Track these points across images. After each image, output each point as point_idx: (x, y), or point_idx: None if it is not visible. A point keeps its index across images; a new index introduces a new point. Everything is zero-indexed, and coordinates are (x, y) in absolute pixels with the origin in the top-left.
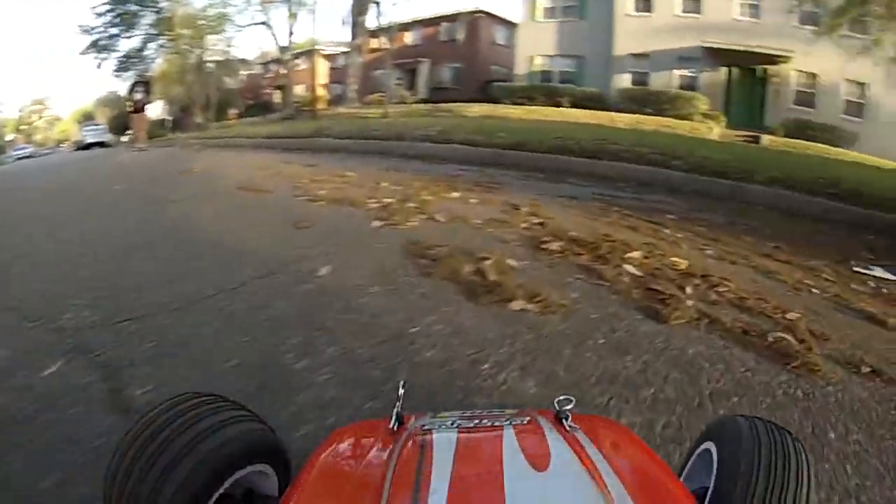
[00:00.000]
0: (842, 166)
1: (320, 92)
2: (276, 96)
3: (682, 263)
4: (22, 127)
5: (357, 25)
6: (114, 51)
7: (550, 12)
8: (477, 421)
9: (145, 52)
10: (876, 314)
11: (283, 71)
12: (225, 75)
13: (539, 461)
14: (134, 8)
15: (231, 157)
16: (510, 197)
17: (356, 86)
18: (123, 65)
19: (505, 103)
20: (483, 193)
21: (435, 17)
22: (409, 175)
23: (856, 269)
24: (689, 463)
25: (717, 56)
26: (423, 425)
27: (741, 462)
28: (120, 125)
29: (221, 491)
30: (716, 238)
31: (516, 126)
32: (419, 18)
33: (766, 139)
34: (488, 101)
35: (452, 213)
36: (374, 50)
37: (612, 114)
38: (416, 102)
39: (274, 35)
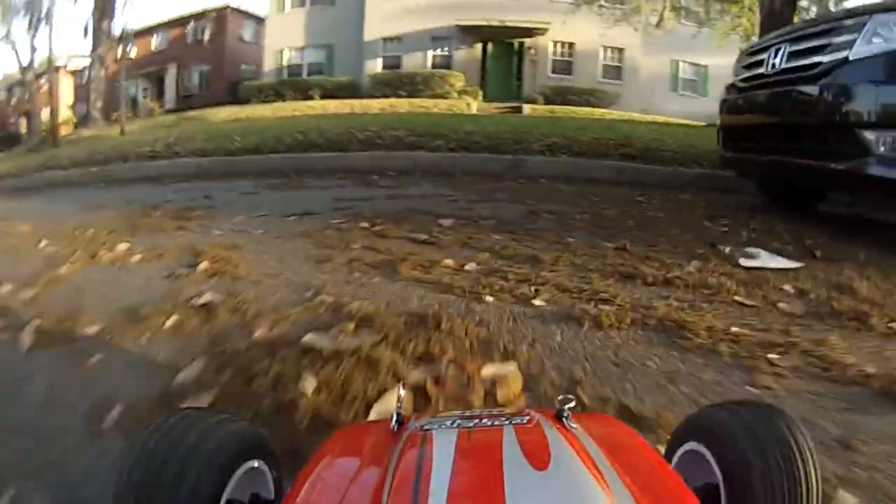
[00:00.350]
0: (617, 125)
1: (65, 114)
2: (24, 124)
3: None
4: None
5: (99, 33)
6: None
7: (300, 1)
8: (477, 420)
9: None
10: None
11: (29, 94)
12: None
13: (539, 460)
14: None
15: None
16: (204, 235)
17: (100, 102)
18: None
19: (254, 103)
20: (174, 233)
21: (182, 17)
22: (109, 212)
23: (742, 262)
24: (672, 464)
25: (472, 33)
26: (424, 425)
27: (748, 462)
28: None
29: (228, 494)
30: (520, 244)
31: (257, 126)
32: (166, 20)
33: (527, 108)
34: (238, 103)
35: (71, 300)
36: (120, 59)
37: (366, 101)
38: (166, 113)
39: (16, 52)
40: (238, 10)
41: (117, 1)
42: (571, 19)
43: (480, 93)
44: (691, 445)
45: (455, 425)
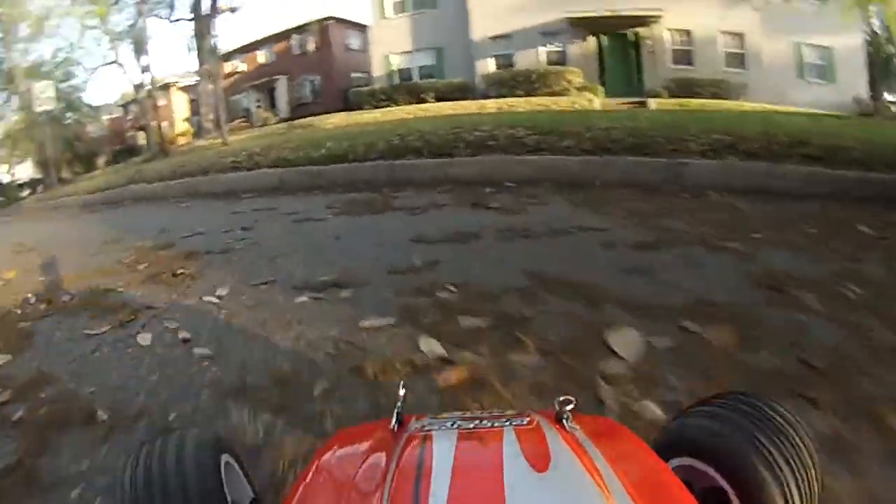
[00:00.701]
0: (770, 117)
1: (183, 126)
2: (141, 137)
3: None
4: None
5: (202, 51)
6: None
7: (400, 7)
8: (477, 422)
9: None
10: None
11: (143, 110)
12: (83, 123)
13: (539, 462)
14: None
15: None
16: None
17: (211, 115)
18: None
19: (366, 108)
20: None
21: (285, 31)
22: (147, 243)
23: None
24: None
25: (583, 25)
26: (424, 426)
27: (753, 465)
28: None
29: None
30: None
31: (356, 131)
32: (269, 35)
33: (652, 103)
34: (349, 109)
35: None
36: (230, 74)
37: (480, 102)
38: (279, 122)
39: (127, 73)
40: (340, 20)
41: (214, 21)
42: (685, 4)
43: (601, 88)
44: (682, 461)
45: (455, 426)
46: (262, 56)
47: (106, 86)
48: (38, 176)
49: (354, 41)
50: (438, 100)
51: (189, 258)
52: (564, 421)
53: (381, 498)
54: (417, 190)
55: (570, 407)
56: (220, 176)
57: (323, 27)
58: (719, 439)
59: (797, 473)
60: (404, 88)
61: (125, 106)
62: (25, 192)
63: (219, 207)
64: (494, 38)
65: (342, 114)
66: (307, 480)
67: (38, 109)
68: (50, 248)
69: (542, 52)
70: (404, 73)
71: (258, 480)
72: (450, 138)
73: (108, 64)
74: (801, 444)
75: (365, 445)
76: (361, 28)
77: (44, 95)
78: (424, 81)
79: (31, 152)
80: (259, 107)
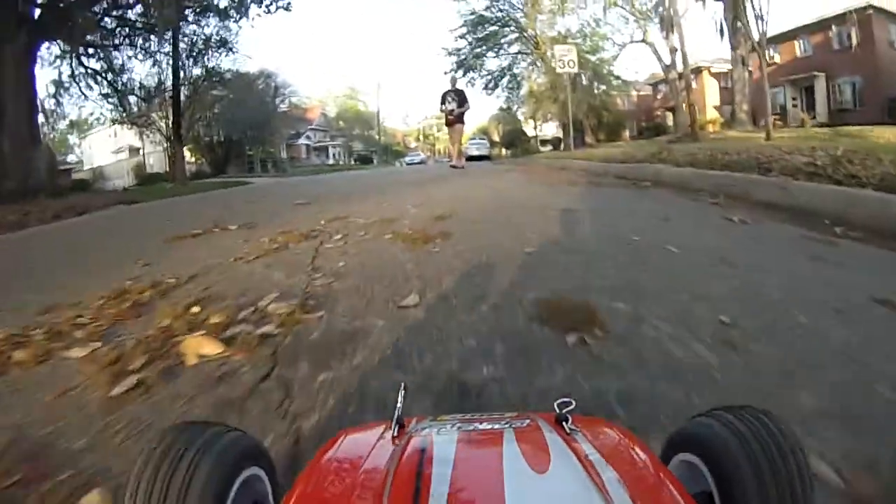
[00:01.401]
0: None
1: (712, 114)
2: (669, 118)
3: None
4: (425, 136)
5: (736, 33)
6: (481, 70)
7: None
8: (477, 424)
9: (515, 70)
10: None
11: (673, 90)
12: (611, 94)
13: (539, 464)
14: (494, 29)
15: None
16: None
17: (746, 105)
18: (492, 83)
19: None
20: None
21: (823, 20)
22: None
23: None
24: None
25: None
26: (424, 428)
27: (740, 469)
28: (510, 140)
29: (233, 497)
30: None
31: None
32: (806, 24)
33: None
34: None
35: None
36: (761, 64)
37: None
38: (818, 126)
39: (656, 53)
40: (883, 11)
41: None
42: None
43: None
44: (684, 456)
45: (455, 428)
46: (798, 47)
47: (637, 63)
48: (560, 135)
49: None
50: None
51: None
52: (564, 423)
53: (381, 499)
54: None
55: (569, 408)
56: (790, 182)
57: (862, 17)
58: (716, 438)
59: (780, 482)
60: None
61: (655, 85)
62: (547, 148)
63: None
64: None
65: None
66: (307, 481)
67: (560, 71)
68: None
69: None
70: None
71: None
72: None
73: (636, 42)
74: (793, 461)
75: (365, 447)
76: None
77: (566, 58)
78: None
79: (556, 113)
80: (795, 105)
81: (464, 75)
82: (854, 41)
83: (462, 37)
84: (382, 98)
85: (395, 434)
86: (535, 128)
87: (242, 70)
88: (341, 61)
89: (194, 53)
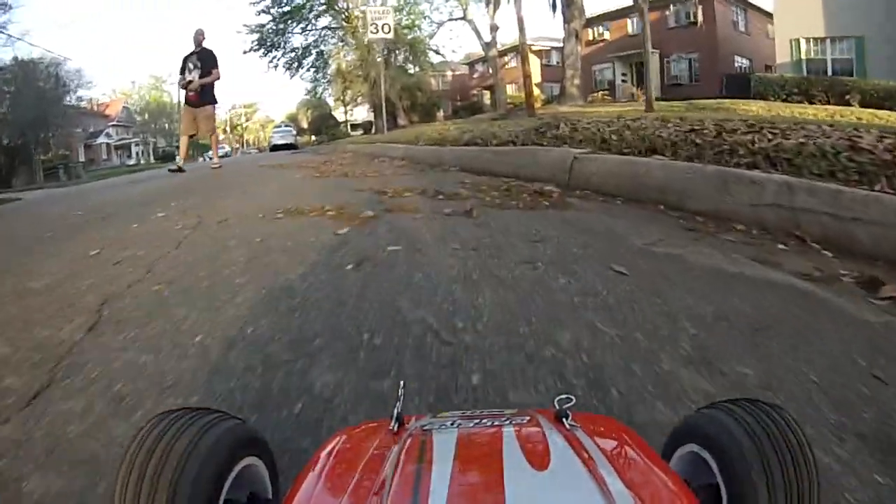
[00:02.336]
0: None
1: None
2: (486, 97)
3: None
4: (234, 127)
5: (570, 6)
6: (283, 49)
7: None
8: (477, 421)
9: (322, 48)
10: None
11: (490, 71)
12: (425, 73)
13: (539, 461)
14: (300, 1)
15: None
16: None
17: (577, 79)
18: (295, 62)
19: (771, 99)
20: None
21: (661, 0)
22: None
23: None
24: (671, 465)
25: None
26: (424, 426)
27: (749, 466)
28: (318, 127)
29: (227, 489)
30: None
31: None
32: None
33: None
34: (733, 97)
35: None
36: (591, 42)
37: None
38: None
39: (476, 31)
40: None
41: None
42: None
43: None
44: (689, 448)
45: (455, 426)
46: (630, 25)
47: (453, 41)
48: (371, 119)
49: (740, 21)
50: (862, 105)
51: None
52: (564, 419)
53: (380, 498)
54: None
55: (570, 405)
56: None
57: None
58: (722, 429)
59: (787, 476)
60: (820, 84)
61: (471, 64)
62: (358, 132)
63: None
64: None
65: (758, 102)
66: (307, 480)
67: (373, 38)
68: None
69: None
70: (814, 65)
71: None
72: None
73: (455, 19)
74: (800, 451)
75: (364, 445)
76: (748, 6)
77: (380, 22)
78: (847, 79)
79: (367, 95)
80: (625, 81)
81: (266, 55)
82: (699, 19)
83: (265, 10)
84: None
85: (395, 432)
86: (346, 112)
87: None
88: (145, 47)
89: None
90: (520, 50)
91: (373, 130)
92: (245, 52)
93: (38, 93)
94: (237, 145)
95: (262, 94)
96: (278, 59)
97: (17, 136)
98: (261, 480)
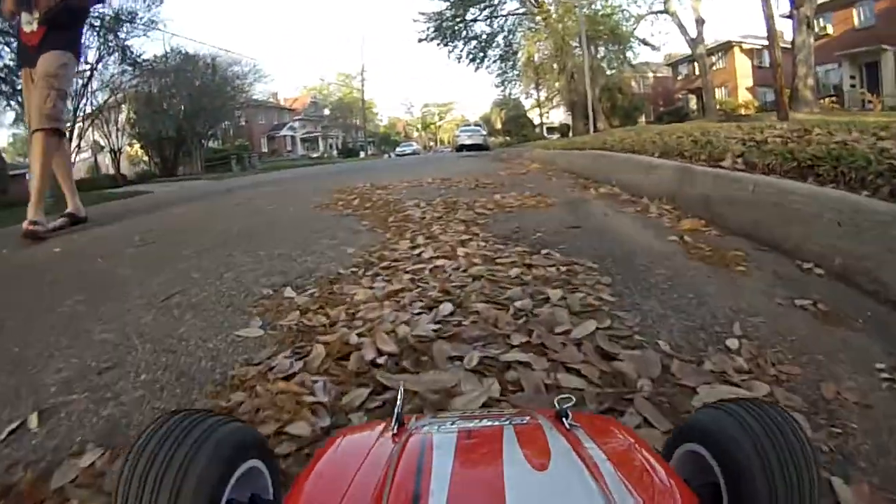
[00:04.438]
0: None
1: (744, 97)
2: (692, 102)
3: None
4: (426, 126)
5: None
6: (465, 38)
7: None
8: (477, 421)
9: (510, 36)
10: None
11: (696, 72)
12: (623, 74)
13: (539, 461)
14: None
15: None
16: None
17: (811, 79)
18: (479, 52)
19: None
20: None
21: None
22: None
23: None
24: (671, 464)
25: None
26: (423, 426)
27: (751, 465)
28: (511, 129)
29: (228, 494)
30: None
31: None
32: None
33: None
34: None
35: None
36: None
37: None
38: (890, 109)
39: (681, 25)
40: None
41: None
42: None
43: None
44: (689, 447)
45: (455, 426)
46: (857, 16)
47: (654, 37)
48: (569, 122)
49: None
50: None
51: None
52: (564, 420)
53: (380, 499)
54: None
55: (570, 405)
56: None
57: None
58: (723, 429)
59: (788, 474)
60: None
61: (674, 65)
62: (554, 136)
63: None
64: None
65: None
66: (307, 481)
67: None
68: None
69: None
70: None
71: None
72: None
73: (656, 12)
74: (801, 451)
75: (365, 446)
76: None
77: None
78: None
79: (563, 91)
80: (853, 86)
81: (445, 45)
82: None
83: None
84: (379, 84)
85: (395, 432)
86: (541, 115)
87: (186, 54)
88: (331, 45)
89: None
90: (767, 31)
91: (570, 134)
92: (420, 42)
93: (202, 86)
94: (431, 143)
95: (458, 95)
96: (460, 50)
97: (181, 127)
98: (263, 482)
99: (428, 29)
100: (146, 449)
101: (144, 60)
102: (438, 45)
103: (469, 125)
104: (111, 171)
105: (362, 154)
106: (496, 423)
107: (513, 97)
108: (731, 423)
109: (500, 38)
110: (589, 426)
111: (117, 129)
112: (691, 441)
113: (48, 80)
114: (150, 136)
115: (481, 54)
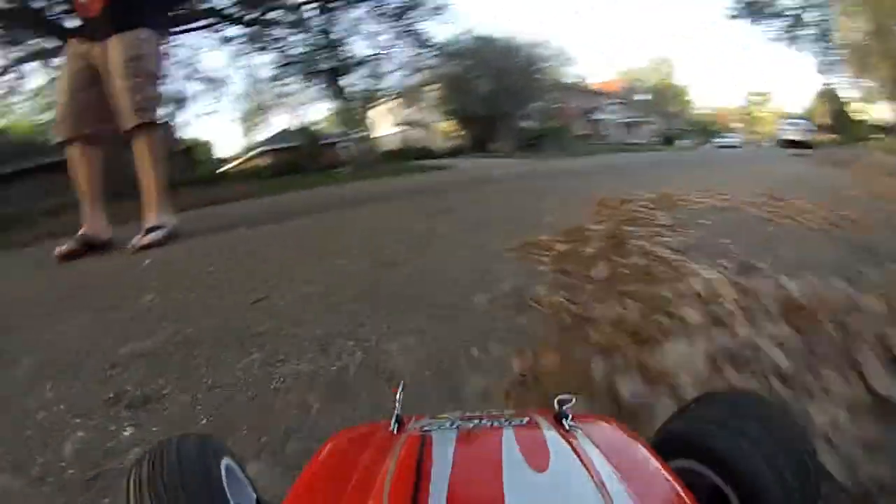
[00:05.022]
0: None
1: None
2: None
3: None
4: (746, 117)
5: None
6: (774, 15)
7: None
8: (476, 422)
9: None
10: None
11: None
12: None
13: (538, 461)
14: None
15: None
16: None
17: None
18: (791, 31)
19: None
20: None
21: None
22: None
23: None
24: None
25: None
26: (423, 427)
27: (766, 484)
28: (838, 125)
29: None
30: None
31: None
32: None
33: None
34: None
35: None
36: None
37: None
38: None
39: None
40: None
41: None
42: None
43: None
44: (683, 463)
45: (454, 426)
46: None
47: None
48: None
49: None
50: None
51: None
52: (564, 420)
53: (380, 499)
54: None
55: (569, 406)
56: None
57: None
58: (719, 442)
59: (799, 473)
60: None
61: None
62: (882, 136)
63: None
64: None
65: None
66: (305, 482)
67: None
68: None
69: None
70: None
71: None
72: None
73: None
74: (802, 443)
75: (364, 446)
76: None
77: None
78: None
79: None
80: None
81: (756, 21)
82: None
83: None
84: (699, 70)
85: (394, 433)
86: (864, 110)
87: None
88: (639, 28)
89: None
90: None
91: None
92: (731, 18)
93: (504, 68)
94: (733, 135)
95: (774, 85)
96: (772, 28)
97: (488, 106)
98: (242, 487)
99: (738, 5)
100: (148, 456)
101: (435, 43)
102: (750, 24)
103: (791, 120)
104: (424, 144)
105: (676, 143)
106: (495, 423)
107: (835, 88)
108: (736, 442)
109: (805, 15)
110: (588, 426)
111: (427, 107)
112: (687, 458)
113: (128, 67)
114: (459, 114)
115: (792, 34)
